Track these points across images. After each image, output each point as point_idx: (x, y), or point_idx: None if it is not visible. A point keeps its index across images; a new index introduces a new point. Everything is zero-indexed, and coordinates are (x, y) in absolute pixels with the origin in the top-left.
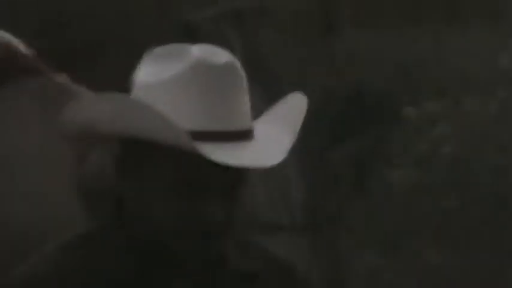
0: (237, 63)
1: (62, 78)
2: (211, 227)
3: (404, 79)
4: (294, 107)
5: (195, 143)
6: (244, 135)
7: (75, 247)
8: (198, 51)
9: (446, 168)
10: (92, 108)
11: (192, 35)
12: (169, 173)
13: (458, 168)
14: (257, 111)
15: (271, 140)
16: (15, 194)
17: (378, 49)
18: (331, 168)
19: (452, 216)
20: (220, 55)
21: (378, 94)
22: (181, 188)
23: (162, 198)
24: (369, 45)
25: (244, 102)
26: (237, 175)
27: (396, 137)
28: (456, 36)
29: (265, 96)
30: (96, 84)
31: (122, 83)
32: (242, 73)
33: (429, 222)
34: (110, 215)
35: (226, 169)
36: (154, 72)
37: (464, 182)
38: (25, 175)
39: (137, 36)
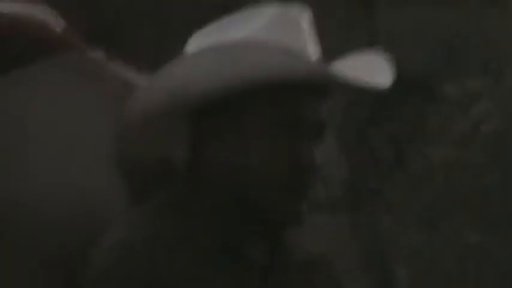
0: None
1: (98, 54)
2: (307, 172)
3: (445, 57)
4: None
5: (329, 69)
6: None
7: (157, 215)
8: (268, 9)
9: (486, 146)
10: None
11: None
12: (266, 121)
13: (499, 146)
14: None
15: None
16: (54, 170)
17: (417, 28)
18: (370, 146)
19: (492, 194)
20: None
21: (418, 72)
22: (277, 133)
23: (256, 148)
24: (408, 24)
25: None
26: (324, 116)
27: (436, 115)
28: (498, 13)
29: None
30: (129, 62)
31: (151, 62)
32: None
33: (469, 200)
34: (170, 190)
35: (317, 110)
36: (222, 37)
37: (505, 160)
38: (66, 146)
39: (169, 17)
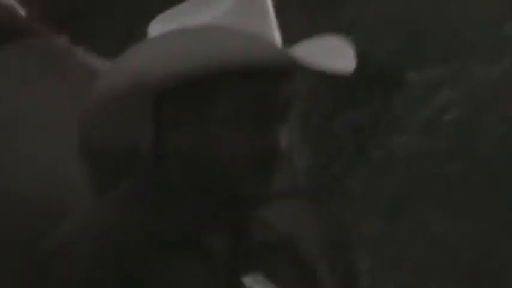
0: None
1: (63, 40)
2: (273, 155)
3: (409, 46)
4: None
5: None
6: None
7: (120, 204)
8: None
9: (449, 134)
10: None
11: None
12: (230, 106)
13: (462, 134)
14: None
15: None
16: (22, 158)
17: (382, 16)
18: (334, 134)
19: (454, 182)
20: None
21: (382, 60)
22: (241, 117)
23: (223, 134)
24: (372, 12)
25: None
26: (288, 98)
27: (400, 103)
28: (461, 3)
29: None
30: (94, 47)
31: (122, 44)
32: None
33: (432, 188)
34: (138, 175)
35: (281, 94)
36: (185, 21)
37: (467, 148)
38: (32, 136)
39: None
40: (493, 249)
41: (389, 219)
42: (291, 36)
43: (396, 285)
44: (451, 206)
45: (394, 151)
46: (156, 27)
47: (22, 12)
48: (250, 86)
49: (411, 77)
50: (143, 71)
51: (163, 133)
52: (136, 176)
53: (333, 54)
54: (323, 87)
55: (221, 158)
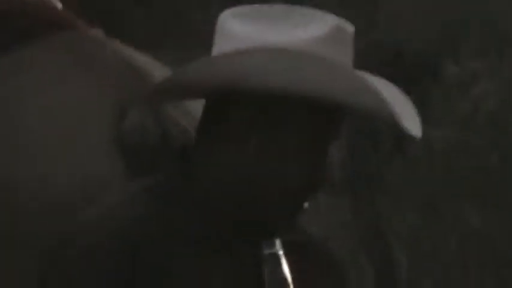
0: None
1: (97, 32)
2: (316, 188)
3: (445, 38)
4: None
5: (393, 110)
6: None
7: (141, 199)
8: (329, 17)
9: (486, 127)
10: (247, 60)
11: None
12: (262, 132)
13: (498, 127)
14: None
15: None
16: (53, 155)
17: (418, 9)
18: (370, 128)
19: (491, 176)
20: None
21: (419, 53)
22: (284, 142)
23: (261, 149)
24: (409, 5)
25: None
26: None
27: (437, 96)
28: None
29: None
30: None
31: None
32: None
33: (468, 182)
34: (165, 172)
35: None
36: (271, 33)
37: (504, 141)
38: (62, 130)
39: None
40: None
41: (425, 212)
42: None
43: (434, 279)
44: (488, 199)
45: (431, 144)
46: (231, 24)
47: (58, 5)
48: (324, 120)
49: (448, 70)
50: (237, 76)
51: (211, 140)
52: (166, 173)
53: (407, 111)
54: None
55: (263, 185)
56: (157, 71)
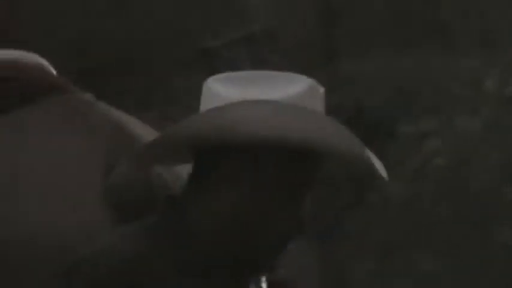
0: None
1: (87, 96)
2: (297, 229)
3: (399, 100)
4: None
5: (369, 159)
6: None
7: (135, 242)
8: (304, 78)
9: (437, 180)
10: (241, 111)
11: (210, 61)
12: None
13: (449, 179)
14: None
15: None
16: (46, 202)
17: (374, 75)
18: (332, 181)
19: (443, 225)
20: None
21: (376, 113)
22: (267, 189)
23: (247, 197)
24: (367, 70)
25: None
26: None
27: (393, 153)
28: (449, 62)
29: None
30: (116, 102)
31: (141, 104)
32: None
33: (423, 230)
34: (147, 223)
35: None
36: (251, 93)
37: (454, 192)
38: (56, 183)
39: (158, 62)
40: (479, 286)
41: (381, 258)
42: None
43: None
44: (440, 246)
45: (389, 195)
46: (215, 87)
47: (53, 71)
48: (308, 166)
49: (403, 128)
50: (227, 126)
51: (203, 187)
52: (154, 218)
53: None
54: None
55: (254, 226)
56: (141, 130)
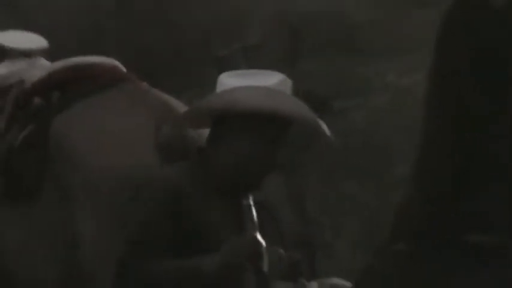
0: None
1: (144, 84)
2: (274, 166)
3: (333, 89)
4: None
5: (319, 122)
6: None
7: (181, 171)
8: (279, 74)
9: (356, 139)
10: (239, 94)
11: (220, 63)
12: (251, 134)
13: (363, 136)
14: None
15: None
16: (121, 152)
17: (318, 72)
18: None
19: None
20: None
21: (320, 96)
22: (258, 142)
23: (246, 144)
24: (314, 69)
25: None
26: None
27: (329, 121)
28: (361, 62)
29: None
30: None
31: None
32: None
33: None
34: (184, 163)
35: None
36: (247, 82)
37: (367, 142)
38: (128, 138)
39: (189, 65)
40: None
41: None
42: None
43: None
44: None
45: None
46: (225, 80)
47: (123, 69)
48: (278, 128)
49: (336, 105)
50: (230, 102)
51: (213, 141)
52: (189, 161)
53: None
54: None
55: (243, 163)
56: (178, 106)
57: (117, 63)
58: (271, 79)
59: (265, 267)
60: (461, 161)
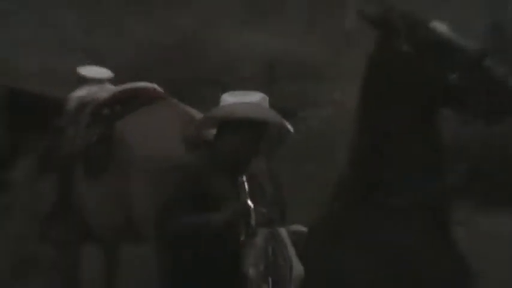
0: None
1: (175, 100)
2: (257, 154)
3: (294, 97)
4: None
5: (286, 124)
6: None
7: (197, 158)
8: (261, 93)
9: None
10: (237, 108)
11: (224, 86)
12: (243, 132)
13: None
14: None
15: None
16: (160, 145)
17: (291, 91)
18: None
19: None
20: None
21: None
22: (247, 137)
23: (239, 139)
24: (288, 90)
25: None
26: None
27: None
28: None
29: None
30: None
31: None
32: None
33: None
34: (200, 152)
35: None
36: (240, 99)
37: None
38: (165, 137)
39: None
40: None
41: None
42: None
43: None
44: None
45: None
46: (226, 98)
47: (160, 89)
48: (259, 129)
49: (300, 115)
50: (229, 113)
51: (217, 137)
52: (206, 148)
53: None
54: None
55: (237, 150)
56: (197, 115)
57: (156, 86)
58: (255, 96)
59: (253, 222)
60: (375, 150)
